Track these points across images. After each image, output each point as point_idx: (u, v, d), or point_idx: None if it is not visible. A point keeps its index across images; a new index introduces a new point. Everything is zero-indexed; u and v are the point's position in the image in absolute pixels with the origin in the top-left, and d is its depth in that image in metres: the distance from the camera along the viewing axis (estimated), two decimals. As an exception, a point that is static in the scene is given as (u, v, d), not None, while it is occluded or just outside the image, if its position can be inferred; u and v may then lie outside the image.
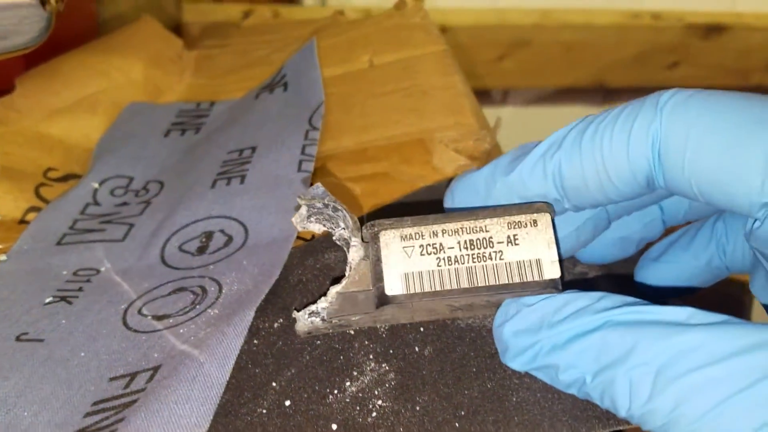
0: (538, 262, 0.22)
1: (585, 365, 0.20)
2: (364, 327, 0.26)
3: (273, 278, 0.28)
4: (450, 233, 0.23)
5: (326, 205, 0.25)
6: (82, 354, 0.27)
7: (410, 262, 0.23)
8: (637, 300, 0.20)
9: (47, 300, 0.30)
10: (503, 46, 0.94)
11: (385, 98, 0.43)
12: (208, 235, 0.33)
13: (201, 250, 0.32)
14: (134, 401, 0.23)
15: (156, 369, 0.25)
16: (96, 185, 0.38)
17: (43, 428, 0.24)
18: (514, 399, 0.23)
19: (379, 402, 0.24)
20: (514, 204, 0.23)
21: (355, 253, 0.24)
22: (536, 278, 0.22)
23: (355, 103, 0.43)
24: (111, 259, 0.33)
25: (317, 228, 0.25)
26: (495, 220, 0.23)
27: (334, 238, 0.25)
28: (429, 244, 0.23)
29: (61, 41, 0.47)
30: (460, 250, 0.22)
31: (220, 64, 0.53)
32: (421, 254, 0.23)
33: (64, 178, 0.40)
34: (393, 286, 0.23)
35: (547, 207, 0.23)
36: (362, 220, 0.24)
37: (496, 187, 0.24)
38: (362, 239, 0.24)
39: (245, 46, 0.56)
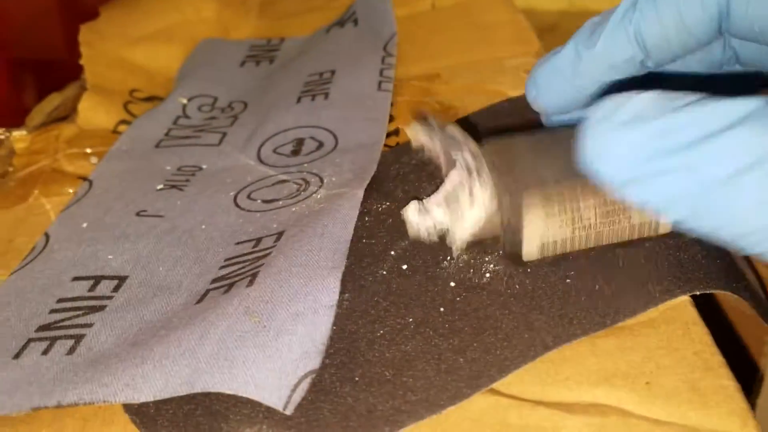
0: (656, 221, 0.24)
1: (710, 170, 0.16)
2: None
3: (372, 169, 0.30)
4: (590, 207, 0.23)
5: (466, 154, 0.25)
6: (203, 227, 0.29)
7: (549, 233, 0.24)
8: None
9: (158, 187, 0.32)
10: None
11: (450, 33, 0.45)
12: (300, 141, 0.35)
13: (295, 152, 0.34)
14: (267, 254, 0.25)
15: (280, 234, 0.27)
16: (185, 101, 0.40)
17: (181, 278, 0.26)
18: (621, 264, 0.25)
19: (491, 266, 0.26)
20: None
21: (488, 205, 0.24)
22: (651, 233, 0.24)
23: (419, 38, 0.45)
24: (210, 159, 0.35)
25: (438, 146, 0.26)
26: None
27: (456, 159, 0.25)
28: (569, 217, 0.23)
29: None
30: (596, 219, 0.24)
31: (283, 8, 0.55)
32: (560, 226, 0.24)
33: (149, 99, 0.42)
34: (529, 253, 0.24)
35: None
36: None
37: (582, 63, 0.24)
38: (498, 198, 0.24)
39: (306, -7, 0.58)
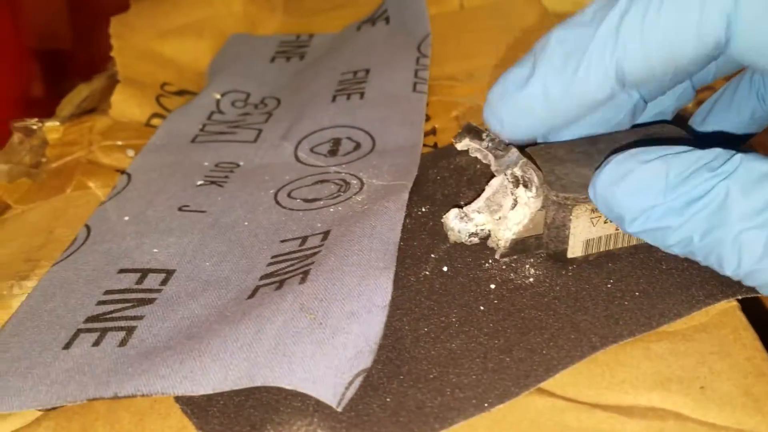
0: None
1: (696, 225, 0.19)
2: None
3: (414, 172, 0.30)
4: None
5: (516, 173, 0.25)
6: (246, 223, 0.29)
7: (593, 230, 0.24)
8: (751, 155, 0.19)
9: (199, 182, 0.32)
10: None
11: (481, 33, 0.45)
12: (336, 141, 0.35)
13: (332, 152, 0.34)
14: (316, 253, 0.25)
15: (326, 233, 0.27)
16: (218, 96, 0.40)
17: (228, 273, 0.26)
18: (664, 267, 0.25)
19: (532, 270, 0.26)
20: None
21: (533, 204, 0.25)
22: None
23: (451, 38, 0.45)
24: (247, 156, 0.35)
25: (485, 154, 0.26)
26: None
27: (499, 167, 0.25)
28: None
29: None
30: None
31: (309, 5, 0.55)
32: (605, 222, 0.24)
33: (180, 93, 0.43)
34: (574, 250, 0.25)
35: None
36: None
37: (555, 105, 0.22)
38: (544, 195, 0.24)
39: (332, -10, 0.58)
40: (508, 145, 0.25)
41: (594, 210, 0.24)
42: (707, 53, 0.20)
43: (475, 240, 0.27)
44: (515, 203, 0.25)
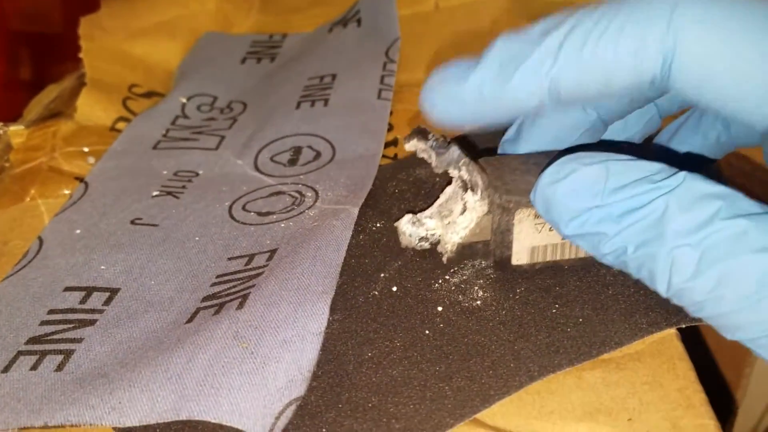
0: None
1: (631, 236, 0.20)
2: None
3: (367, 187, 0.30)
4: None
5: (461, 167, 0.25)
6: (197, 238, 0.29)
7: (538, 237, 0.24)
8: (696, 175, 0.20)
9: (154, 193, 0.32)
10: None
11: (456, 37, 0.45)
12: (297, 150, 0.35)
13: (292, 162, 0.34)
14: (260, 274, 0.25)
15: (273, 251, 0.27)
16: (184, 100, 0.40)
17: (172, 294, 0.26)
18: (611, 292, 0.25)
19: (480, 292, 0.26)
20: None
21: (479, 208, 0.25)
22: None
23: (425, 41, 0.45)
24: (207, 165, 0.35)
25: (434, 161, 0.27)
26: None
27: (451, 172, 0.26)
28: None
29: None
30: None
31: (286, 2, 0.55)
32: (550, 230, 0.24)
33: (148, 95, 0.42)
34: (519, 257, 0.25)
35: None
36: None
37: (487, 103, 0.22)
38: (489, 198, 0.24)
39: (309, -13, 0.57)
40: (449, 144, 0.25)
41: (537, 215, 0.24)
42: (643, 86, 0.21)
43: (426, 245, 0.27)
44: (464, 208, 0.25)
